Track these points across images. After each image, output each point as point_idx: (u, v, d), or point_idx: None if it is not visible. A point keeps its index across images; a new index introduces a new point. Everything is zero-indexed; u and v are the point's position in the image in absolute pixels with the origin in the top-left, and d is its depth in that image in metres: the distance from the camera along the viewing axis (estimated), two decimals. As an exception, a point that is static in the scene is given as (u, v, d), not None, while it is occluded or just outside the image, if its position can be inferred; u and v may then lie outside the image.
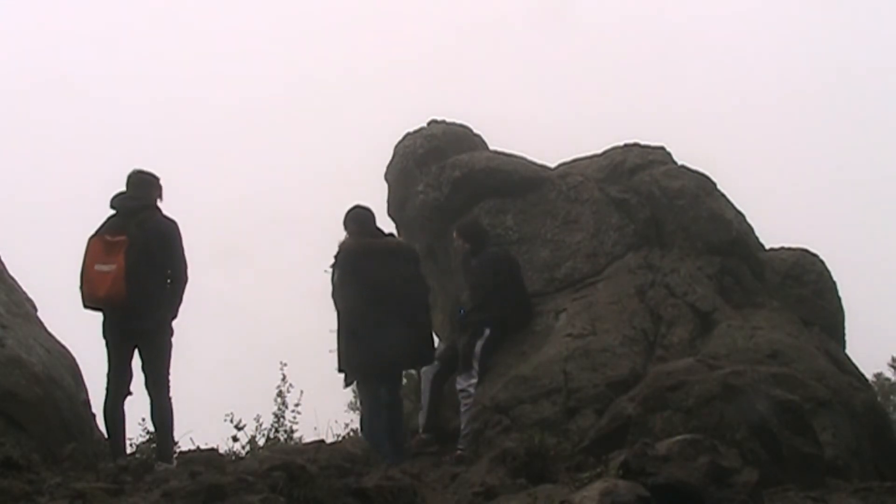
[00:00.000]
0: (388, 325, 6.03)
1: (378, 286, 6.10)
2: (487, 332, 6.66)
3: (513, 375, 6.43)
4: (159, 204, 5.86)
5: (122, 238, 5.48)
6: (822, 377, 6.07)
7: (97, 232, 5.62)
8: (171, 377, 5.58)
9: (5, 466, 4.39)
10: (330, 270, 6.33)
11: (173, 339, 5.65)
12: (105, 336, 5.57)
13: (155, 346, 5.54)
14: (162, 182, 5.90)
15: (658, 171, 7.82)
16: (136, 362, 5.61)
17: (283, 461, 4.46)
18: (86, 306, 5.52)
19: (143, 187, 5.78)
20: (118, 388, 5.53)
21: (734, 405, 5.09)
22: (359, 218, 6.46)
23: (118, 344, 5.54)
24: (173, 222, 5.73)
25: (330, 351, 6.39)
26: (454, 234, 7.28)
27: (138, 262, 5.43)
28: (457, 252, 7.24)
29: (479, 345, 6.61)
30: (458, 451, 6.13)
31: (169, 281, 5.65)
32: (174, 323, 5.68)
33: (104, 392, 5.56)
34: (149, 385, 5.51)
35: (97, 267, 5.46)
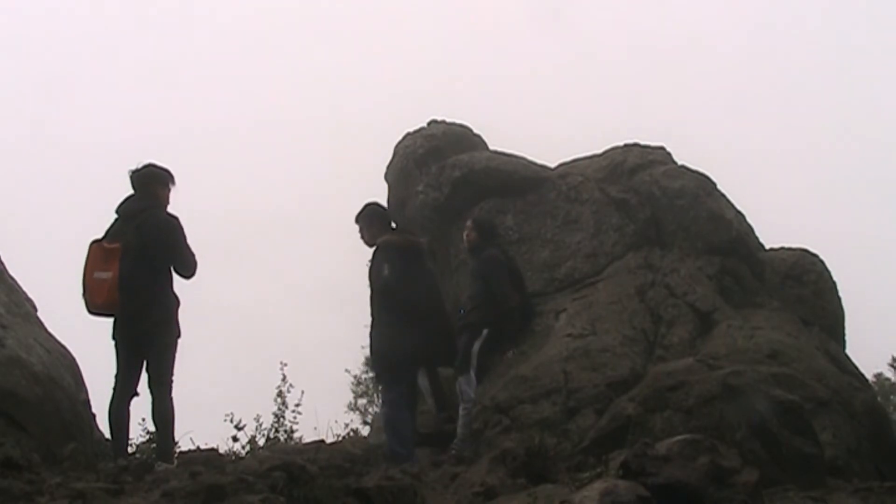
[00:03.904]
0: (422, 322, 6.13)
1: (418, 284, 6.24)
2: (486, 332, 6.65)
3: (513, 375, 6.43)
4: (170, 194, 5.85)
5: (118, 245, 5.50)
6: (822, 377, 6.08)
7: (99, 237, 5.65)
8: (174, 377, 5.58)
9: (5, 466, 4.38)
10: (369, 265, 6.38)
11: (179, 340, 5.66)
12: (114, 337, 5.60)
13: (157, 346, 5.54)
14: (168, 172, 5.87)
15: (658, 171, 7.83)
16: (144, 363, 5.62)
17: (283, 461, 4.46)
18: (90, 312, 5.56)
19: (145, 186, 5.77)
20: (124, 388, 5.54)
21: (734, 405, 5.09)
22: (380, 215, 6.65)
23: (125, 345, 5.57)
24: (173, 219, 5.71)
25: (362, 347, 6.45)
26: (468, 223, 7.24)
27: (134, 268, 5.45)
28: (467, 241, 7.19)
29: (476, 345, 6.59)
30: (452, 452, 6.10)
31: (181, 275, 5.67)
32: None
33: (111, 392, 5.57)
34: (151, 384, 5.52)
35: (96, 275, 5.50)
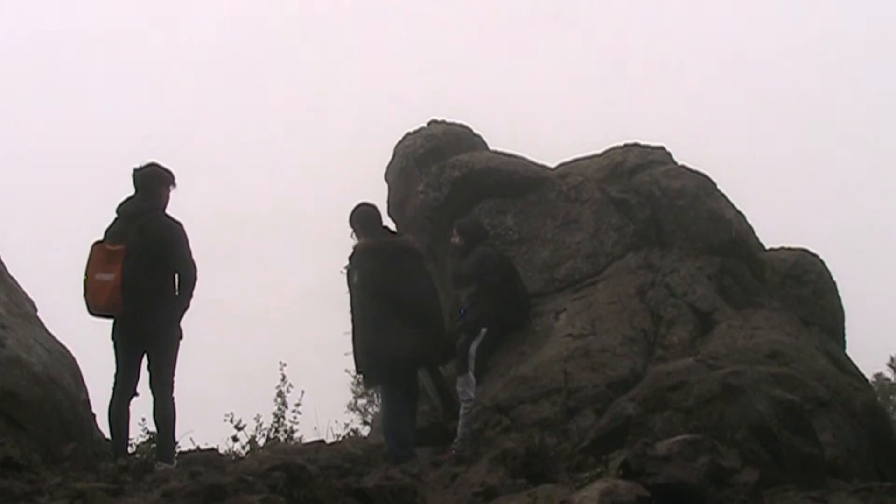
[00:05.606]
0: (408, 324, 5.97)
1: (396, 285, 6.06)
2: (483, 331, 6.65)
3: (513, 375, 6.43)
4: (171, 194, 5.84)
5: (121, 247, 5.49)
6: (822, 377, 6.08)
7: (101, 238, 5.64)
8: (175, 378, 5.58)
9: (5, 466, 4.39)
10: (345, 271, 6.27)
11: (181, 341, 5.65)
12: (113, 337, 5.59)
13: (159, 346, 5.54)
14: (170, 172, 5.85)
15: (658, 171, 7.83)
16: (144, 363, 5.61)
17: (283, 461, 4.46)
18: (91, 314, 5.55)
19: (148, 186, 5.76)
20: (124, 388, 5.53)
21: (734, 405, 5.09)
22: (365, 216, 6.41)
23: (125, 345, 5.56)
24: (176, 224, 5.69)
25: (346, 354, 6.36)
26: (453, 231, 7.26)
27: (136, 270, 5.43)
28: (452, 248, 7.22)
29: (474, 345, 6.59)
30: (452, 452, 6.10)
31: (178, 281, 5.64)
32: (181, 322, 5.66)
33: (111, 392, 5.57)
34: (153, 384, 5.52)
35: (98, 276, 5.48)
